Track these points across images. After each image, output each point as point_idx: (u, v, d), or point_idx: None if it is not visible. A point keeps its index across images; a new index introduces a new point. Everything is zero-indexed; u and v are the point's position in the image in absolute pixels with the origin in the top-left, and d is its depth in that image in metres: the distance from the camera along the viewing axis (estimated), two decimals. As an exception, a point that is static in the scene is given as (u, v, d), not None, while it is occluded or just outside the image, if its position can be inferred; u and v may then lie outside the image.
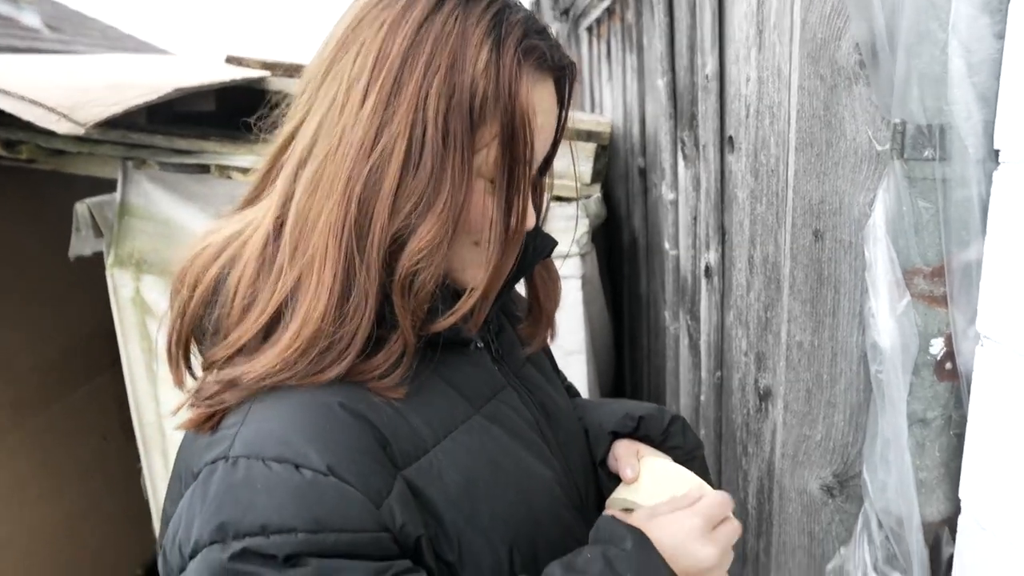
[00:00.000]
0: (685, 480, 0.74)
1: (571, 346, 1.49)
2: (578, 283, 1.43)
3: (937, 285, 0.74)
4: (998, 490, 0.68)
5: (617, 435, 0.84)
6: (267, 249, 0.60)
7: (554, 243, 0.76)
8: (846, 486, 0.92)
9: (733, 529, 0.68)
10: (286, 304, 0.58)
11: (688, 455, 0.87)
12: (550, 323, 0.80)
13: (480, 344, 0.68)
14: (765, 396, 1.00)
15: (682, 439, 0.86)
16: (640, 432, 0.85)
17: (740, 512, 1.15)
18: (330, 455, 0.53)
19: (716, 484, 1.30)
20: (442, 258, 0.58)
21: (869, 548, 0.85)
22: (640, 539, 0.61)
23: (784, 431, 0.92)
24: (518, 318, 0.81)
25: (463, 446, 0.62)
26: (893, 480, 0.78)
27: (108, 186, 1.71)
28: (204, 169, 1.63)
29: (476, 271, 0.63)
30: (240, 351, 0.58)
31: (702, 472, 0.89)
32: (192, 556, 0.52)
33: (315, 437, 0.54)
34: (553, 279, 0.78)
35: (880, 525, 0.83)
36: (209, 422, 0.57)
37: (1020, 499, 0.66)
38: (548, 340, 0.83)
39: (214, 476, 0.53)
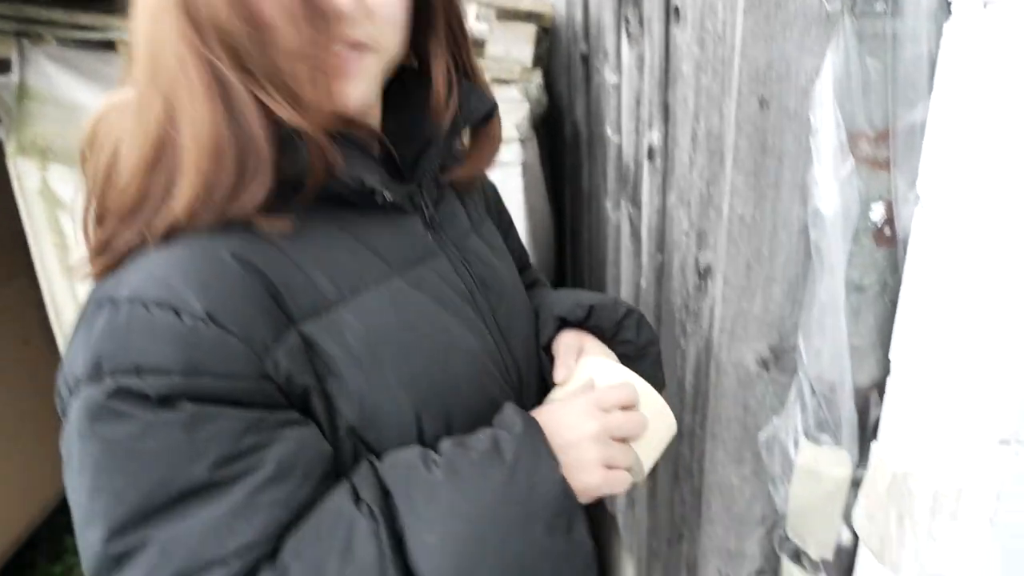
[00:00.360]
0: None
1: (511, 235, 1.46)
2: (518, 169, 1.39)
3: (881, 149, 0.73)
4: (926, 348, 0.70)
5: (566, 322, 0.83)
6: (125, 90, 0.59)
7: (492, 102, 0.72)
8: (780, 359, 0.94)
9: (630, 420, 0.67)
10: (168, 127, 0.55)
11: (640, 351, 0.86)
12: (481, 164, 0.78)
13: (388, 196, 0.65)
14: (705, 274, 1.00)
15: (635, 334, 0.85)
16: (591, 322, 0.83)
17: (677, 391, 1.17)
18: (210, 302, 0.52)
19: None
20: (254, 34, 0.54)
21: (801, 415, 0.87)
22: (529, 424, 0.61)
23: (723, 306, 0.93)
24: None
25: (374, 307, 0.61)
26: (828, 347, 0.80)
27: (3, 67, 1.56)
28: (110, 47, 1.49)
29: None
30: (140, 200, 0.55)
31: (653, 369, 0.88)
32: (73, 393, 0.51)
33: (198, 283, 0.52)
34: (492, 132, 0.76)
35: (813, 392, 0.84)
36: (107, 272, 0.56)
37: (946, 354, 0.67)
38: (484, 169, 0.81)
39: (98, 318, 0.52)
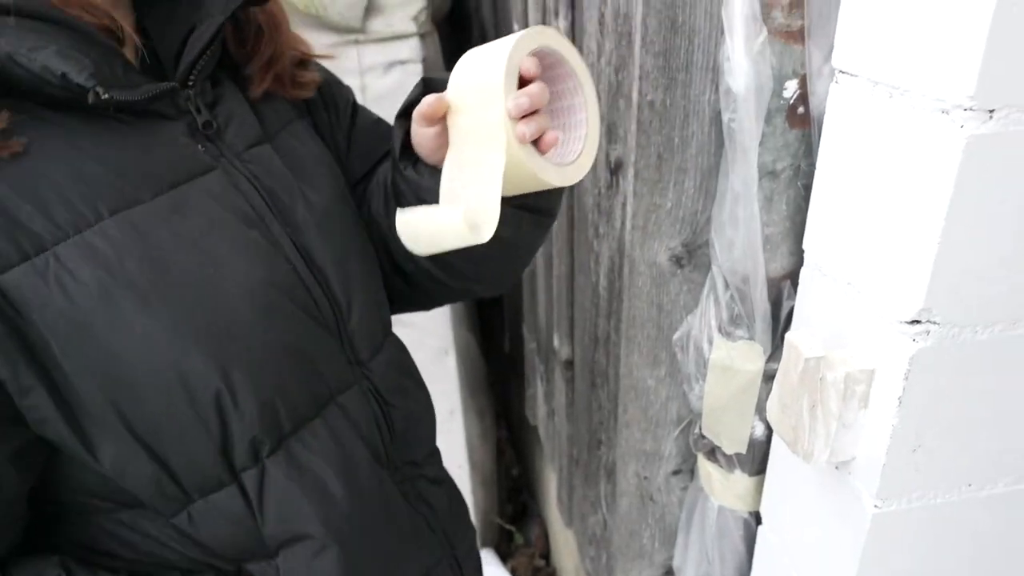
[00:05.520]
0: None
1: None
2: (418, 68, 1.28)
3: (795, 18, 0.68)
4: (839, 234, 0.67)
5: (407, 112, 0.69)
6: None
7: None
8: (694, 255, 0.91)
9: None
10: None
11: None
12: (273, 44, 0.67)
13: (104, 94, 0.51)
14: (616, 169, 0.94)
15: None
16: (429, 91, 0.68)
17: (592, 296, 1.13)
18: None
19: (568, 247, 1.27)
20: None
21: (715, 311, 0.85)
22: None
23: (635, 201, 0.88)
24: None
25: (113, 240, 0.50)
26: (741, 237, 0.76)
27: None
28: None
29: None
30: None
31: None
32: None
33: None
34: (274, 20, 0.65)
35: (727, 286, 0.82)
36: None
37: (859, 239, 0.64)
38: (279, 68, 0.69)
39: None
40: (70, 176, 0.50)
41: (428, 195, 0.68)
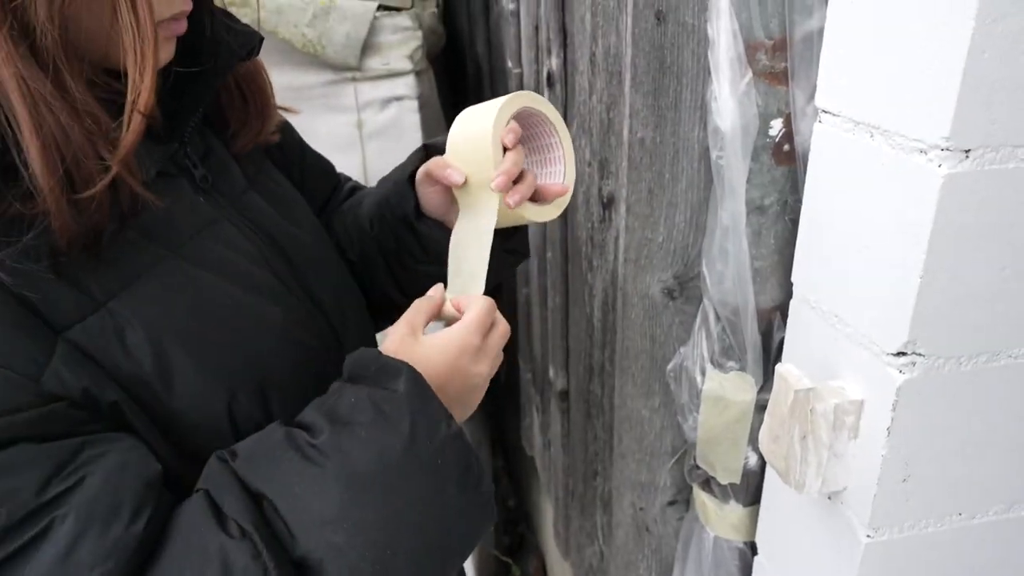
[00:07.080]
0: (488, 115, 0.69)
1: (411, 176, 1.38)
2: (414, 104, 1.31)
3: (778, 60, 0.70)
4: (826, 267, 0.69)
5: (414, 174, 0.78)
6: None
7: (256, 37, 0.64)
8: (686, 287, 0.92)
9: (501, 334, 0.64)
10: None
11: None
12: (262, 118, 0.71)
13: (153, 170, 0.55)
14: (608, 203, 0.96)
15: None
16: (430, 154, 0.79)
17: (586, 327, 1.15)
18: None
19: (563, 293, 1.29)
20: None
21: (707, 343, 0.86)
22: (412, 379, 0.53)
23: (627, 236, 0.90)
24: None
25: (149, 296, 0.53)
26: (731, 270, 0.78)
27: None
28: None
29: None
30: None
31: None
32: None
33: None
34: (257, 72, 0.69)
35: (718, 318, 0.83)
36: None
37: (845, 273, 0.66)
38: (264, 135, 0.73)
39: None
40: (113, 241, 0.52)
41: (437, 245, 0.76)
